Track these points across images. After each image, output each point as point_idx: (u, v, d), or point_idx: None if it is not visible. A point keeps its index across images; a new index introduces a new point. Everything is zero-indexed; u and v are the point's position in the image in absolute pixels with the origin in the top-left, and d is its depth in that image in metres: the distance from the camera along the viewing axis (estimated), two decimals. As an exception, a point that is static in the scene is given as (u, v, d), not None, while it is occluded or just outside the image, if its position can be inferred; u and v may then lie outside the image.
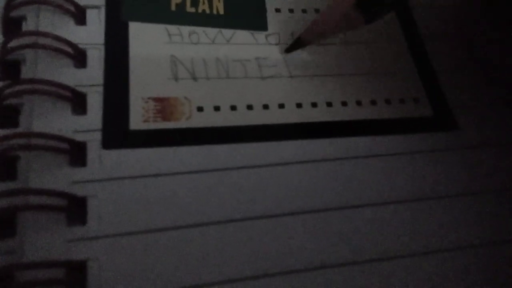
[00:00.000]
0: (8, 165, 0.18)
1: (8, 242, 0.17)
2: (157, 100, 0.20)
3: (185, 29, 0.21)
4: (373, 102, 0.21)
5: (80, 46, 0.20)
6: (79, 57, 0.20)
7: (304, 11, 0.23)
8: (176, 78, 0.20)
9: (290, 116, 0.21)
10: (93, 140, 0.18)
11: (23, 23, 0.20)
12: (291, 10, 0.23)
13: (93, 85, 0.19)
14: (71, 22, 0.20)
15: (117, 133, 0.19)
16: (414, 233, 0.19)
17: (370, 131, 0.21)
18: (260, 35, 0.22)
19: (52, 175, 0.17)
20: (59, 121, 0.18)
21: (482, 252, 0.19)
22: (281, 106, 0.21)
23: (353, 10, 0.19)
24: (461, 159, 0.20)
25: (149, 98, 0.20)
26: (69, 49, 0.20)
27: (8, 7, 0.20)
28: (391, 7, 0.20)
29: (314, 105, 0.21)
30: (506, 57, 0.21)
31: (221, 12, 0.22)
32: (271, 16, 0.23)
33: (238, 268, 0.17)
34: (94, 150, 0.18)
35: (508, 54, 0.21)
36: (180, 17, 0.22)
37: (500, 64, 0.22)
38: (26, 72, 0.19)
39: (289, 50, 0.22)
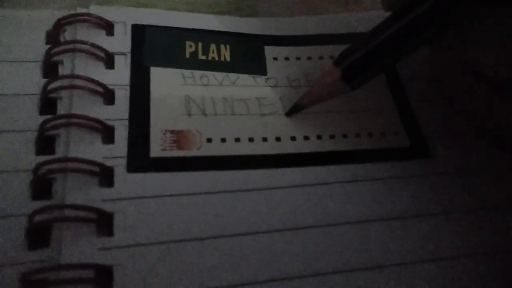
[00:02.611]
0: (45, 186, 0.19)
1: (41, 251, 0.18)
2: (173, 132, 0.21)
3: (197, 73, 0.24)
4: (358, 135, 0.23)
5: (109, 86, 0.22)
6: (108, 96, 0.22)
7: (297, 58, 0.25)
8: (189, 114, 0.22)
9: (286, 147, 0.22)
10: (120, 165, 0.20)
11: (60, 67, 0.22)
12: (286, 58, 0.25)
13: (120, 119, 0.21)
14: (101, 66, 0.23)
15: (140, 160, 0.20)
16: (395, 247, 0.20)
17: (355, 159, 0.22)
18: (260, 79, 0.24)
19: (84, 194, 0.19)
20: (91, 149, 0.20)
21: (444, 266, 0.20)
22: (278, 139, 0.22)
23: (338, 82, 0.21)
24: (434, 183, 0.22)
25: (166, 130, 0.21)
26: (100, 89, 0.22)
27: (48, 55, 0.22)
28: (373, 75, 0.22)
29: (306, 138, 0.23)
30: (471, 94, 0.22)
31: (228, 59, 0.24)
32: (269, 63, 0.25)
33: (250, 273, 0.19)
34: (120, 174, 0.20)
35: (474, 92, 0.22)
36: (193, 63, 0.24)
37: (467, 100, 0.23)
38: (62, 108, 0.21)
39: (288, 114, 0.23)
